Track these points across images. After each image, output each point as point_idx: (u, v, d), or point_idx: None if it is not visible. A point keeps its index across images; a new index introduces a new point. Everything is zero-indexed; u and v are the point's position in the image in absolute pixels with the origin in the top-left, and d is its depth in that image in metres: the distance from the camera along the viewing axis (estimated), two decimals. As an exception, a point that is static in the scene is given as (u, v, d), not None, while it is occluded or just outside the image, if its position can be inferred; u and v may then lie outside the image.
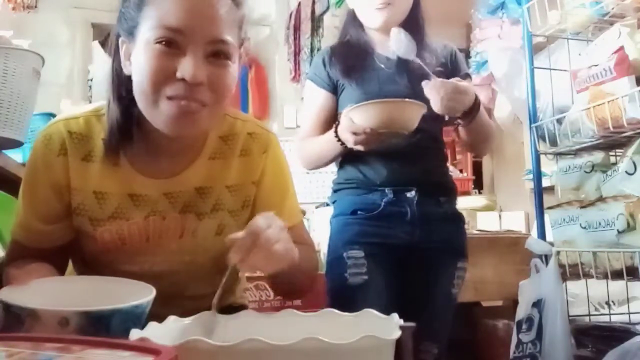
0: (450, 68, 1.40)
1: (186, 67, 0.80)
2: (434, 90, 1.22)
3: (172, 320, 0.74)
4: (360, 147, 1.22)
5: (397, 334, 0.62)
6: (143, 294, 0.76)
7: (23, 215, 0.95)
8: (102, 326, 0.68)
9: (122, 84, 0.88)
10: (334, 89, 1.39)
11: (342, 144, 1.27)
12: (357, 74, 1.33)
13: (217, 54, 0.83)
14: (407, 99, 1.23)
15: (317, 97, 1.41)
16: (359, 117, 1.18)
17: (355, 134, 1.19)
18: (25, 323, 0.68)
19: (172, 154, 0.94)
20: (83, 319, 0.67)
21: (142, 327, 0.71)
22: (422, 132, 1.37)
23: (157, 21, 0.81)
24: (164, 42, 0.80)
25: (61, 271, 0.98)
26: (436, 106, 1.23)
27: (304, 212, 1.07)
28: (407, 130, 1.20)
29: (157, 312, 0.75)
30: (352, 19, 1.43)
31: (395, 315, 0.70)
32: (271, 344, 0.55)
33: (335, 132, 1.27)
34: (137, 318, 0.71)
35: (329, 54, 1.41)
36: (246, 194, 0.99)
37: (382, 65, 1.37)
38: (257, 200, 1.00)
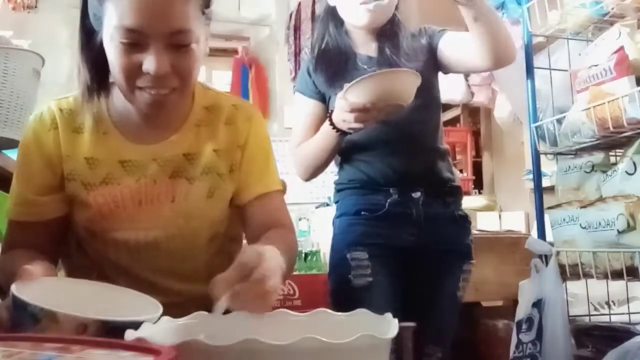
0: (433, 41, 1.38)
1: (150, 63, 0.85)
2: None
3: (166, 320, 0.74)
4: (359, 125, 1.18)
5: (394, 332, 0.62)
6: (148, 309, 0.76)
7: (18, 191, 0.99)
8: (116, 337, 0.67)
9: (92, 48, 0.92)
10: (323, 98, 1.38)
11: (338, 130, 1.24)
12: (340, 82, 1.28)
13: (179, 42, 0.87)
14: (400, 69, 1.22)
15: (307, 107, 1.39)
16: (355, 95, 1.15)
17: (353, 111, 1.15)
18: (40, 323, 0.67)
19: (158, 121, 0.98)
20: (101, 327, 0.67)
21: None
22: (426, 133, 1.37)
23: (117, 21, 0.84)
24: (126, 43, 0.85)
25: (53, 260, 0.99)
26: None
27: (284, 185, 1.09)
28: (405, 102, 1.17)
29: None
30: (332, 17, 1.40)
31: (388, 315, 0.70)
32: (269, 344, 0.55)
33: (330, 120, 1.25)
34: None
35: (313, 64, 1.39)
36: (233, 157, 1.02)
37: (365, 66, 1.35)
38: (242, 164, 1.03)
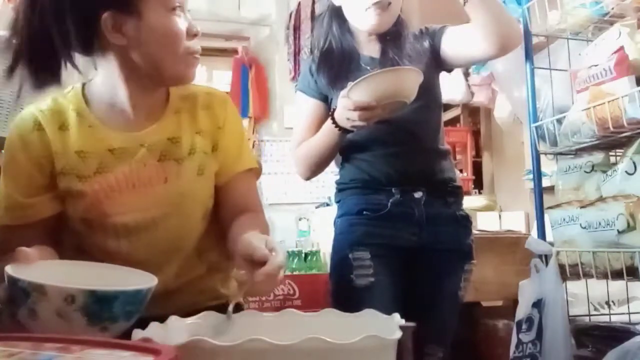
0: (435, 41, 1.39)
1: (192, 24, 0.97)
2: None
3: (174, 320, 0.75)
4: (363, 124, 1.18)
5: (400, 333, 0.62)
6: (145, 282, 0.78)
7: (7, 196, 0.99)
8: (106, 307, 0.69)
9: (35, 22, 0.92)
10: (324, 97, 1.38)
11: (341, 129, 1.24)
12: (343, 82, 1.27)
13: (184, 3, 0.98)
14: (403, 67, 1.24)
15: (309, 107, 1.39)
16: (359, 93, 1.15)
17: (357, 109, 1.15)
18: (31, 297, 0.69)
19: (140, 111, 1.01)
20: (89, 298, 0.68)
21: (141, 313, 0.73)
22: (428, 133, 1.37)
23: None
24: (176, 9, 0.95)
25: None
26: None
27: (259, 164, 1.15)
28: (408, 99, 1.18)
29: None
30: (335, 16, 1.40)
31: (396, 315, 0.70)
32: (274, 343, 0.55)
33: (332, 118, 1.25)
34: (139, 303, 0.73)
35: (315, 65, 1.39)
36: (214, 137, 1.07)
37: (368, 67, 1.35)
38: (221, 144, 1.08)
